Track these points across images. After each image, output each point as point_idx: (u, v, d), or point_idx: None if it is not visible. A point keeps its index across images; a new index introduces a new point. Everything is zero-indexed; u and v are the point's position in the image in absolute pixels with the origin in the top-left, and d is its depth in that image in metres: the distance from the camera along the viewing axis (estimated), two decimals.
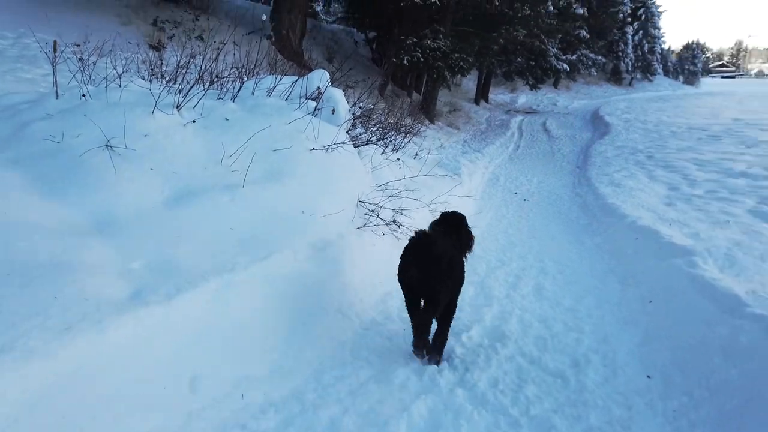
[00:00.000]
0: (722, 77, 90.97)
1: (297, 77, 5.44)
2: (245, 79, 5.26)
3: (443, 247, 3.06)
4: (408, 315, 3.21)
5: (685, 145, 14.69)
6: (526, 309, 4.10)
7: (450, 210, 3.68)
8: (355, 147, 5.24)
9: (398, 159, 6.01)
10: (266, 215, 3.66)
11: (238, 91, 4.99)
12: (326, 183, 4.35)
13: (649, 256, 4.78)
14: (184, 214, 3.39)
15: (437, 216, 3.61)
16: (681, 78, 56.03)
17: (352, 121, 5.42)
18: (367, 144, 5.67)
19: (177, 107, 4.32)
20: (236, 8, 17.22)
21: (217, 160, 4.01)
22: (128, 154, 3.66)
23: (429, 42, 14.90)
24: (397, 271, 3.14)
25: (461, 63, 15.21)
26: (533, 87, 26.65)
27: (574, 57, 26.74)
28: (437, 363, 3.10)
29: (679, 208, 7.91)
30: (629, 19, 41.08)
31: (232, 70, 5.90)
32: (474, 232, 3.62)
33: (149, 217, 3.30)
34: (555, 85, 36.57)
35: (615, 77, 44.11)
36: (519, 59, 22.81)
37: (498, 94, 31.36)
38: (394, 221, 4.75)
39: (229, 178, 3.87)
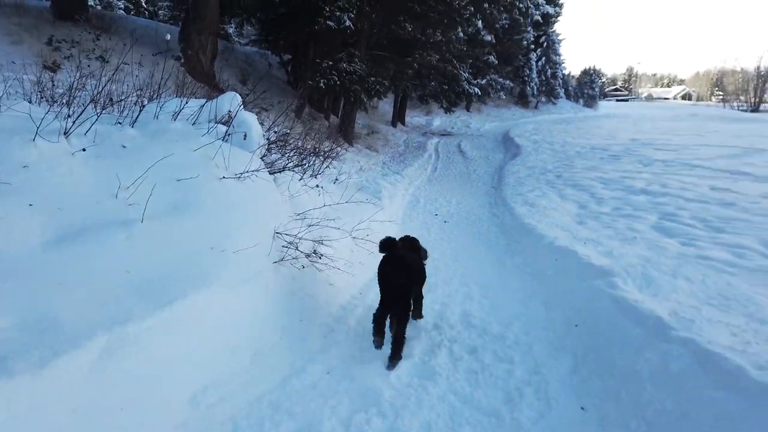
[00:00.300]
0: (617, 100, 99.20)
1: (205, 100, 5.05)
2: (146, 101, 4.80)
3: (412, 258, 4.04)
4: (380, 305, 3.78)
5: (590, 165, 15.56)
6: (455, 339, 3.96)
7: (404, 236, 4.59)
8: (270, 174, 4.91)
9: (317, 186, 5.74)
10: (169, 254, 3.25)
11: (138, 114, 4.52)
12: (239, 214, 3.98)
13: (570, 277, 4.83)
14: (69, 258, 2.92)
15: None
16: (581, 101, 60.29)
17: (266, 147, 5.10)
18: (283, 170, 5.34)
19: (65, 134, 3.82)
20: (142, 28, 16.30)
21: (112, 192, 3.55)
22: (1, 188, 3.13)
23: (345, 65, 14.87)
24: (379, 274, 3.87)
25: (377, 86, 15.31)
26: (447, 110, 27.43)
27: (484, 81, 27.92)
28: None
29: (590, 226, 8.23)
30: (533, 46, 43.81)
31: (136, 92, 5.39)
32: None
33: (25, 262, 2.79)
34: (467, 108, 37.98)
35: (522, 101, 46.65)
36: (433, 83, 23.42)
37: (414, 117, 32.01)
38: (315, 252, 4.47)
39: (125, 213, 3.42)
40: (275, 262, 3.98)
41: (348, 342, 3.81)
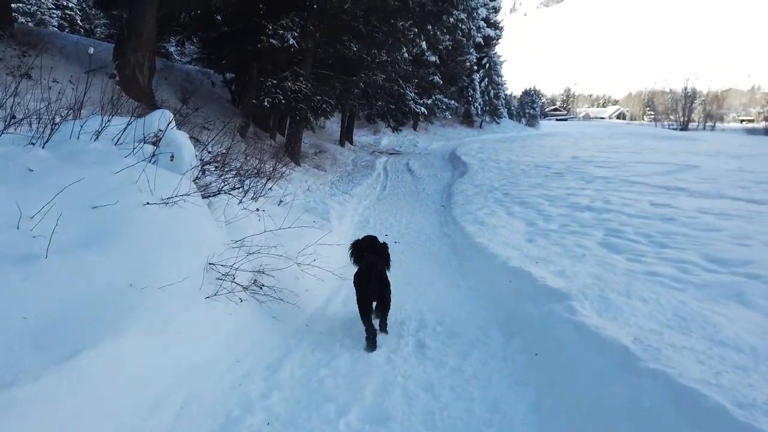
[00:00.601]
0: (557, 120, 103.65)
1: (131, 117, 4.58)
2: (58, 119, 4.28)
3: (383, 270, 4.81)
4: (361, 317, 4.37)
5: (535, 182, 15.81)
6: (410, 375, 3.64)
7: (368, 235, 5.41)
8: (204, 198, 4.47)
9: (258, 209, 5.33)
10: (78, 294, 2.78)
11: (51, 134, 4.01)
12: (165, 245, 3.51)
13: (527, 301, 4.63)
14: None
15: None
16: (523, 120, 62.23)
17: (200, 168, 4.66)
18: (219, 193, 4.90)
19: None
20: (73, 45, 15.43)
21: (12, 223, 3.05)
22: None
23: (290, 84, 14.56)
24: (358, 285, 4.56)
25: (324, 105, 15.05)
26: (395, 129, 27.51)
27: (430, 101, 28.21)
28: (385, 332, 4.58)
29: (540, 244, 8.19)
30: (476, 68, 45.01)
31: (49, 108, 4.85)
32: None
33: None
34: (414, 127, 38.35)
35: (467, 120, 47.60)
36: (380, 102, 23.43)
37: (362, 136, 31.94)
38: (255, 282, 4.07)
39: (27, 247, 2.93)
40: (208, 298, 3.54)
41: (293, 384, 3.42)
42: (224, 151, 5.87)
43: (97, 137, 4.36)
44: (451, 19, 17.89)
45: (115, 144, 4.29)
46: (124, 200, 3.49)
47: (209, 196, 4.62)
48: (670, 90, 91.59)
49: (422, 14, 16.42)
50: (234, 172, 5.78)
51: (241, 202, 5.27)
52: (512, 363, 3.79)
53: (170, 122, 4.55)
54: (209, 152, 5.33)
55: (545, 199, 12.53)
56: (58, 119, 4.25)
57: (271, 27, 14.25)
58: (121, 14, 17.23)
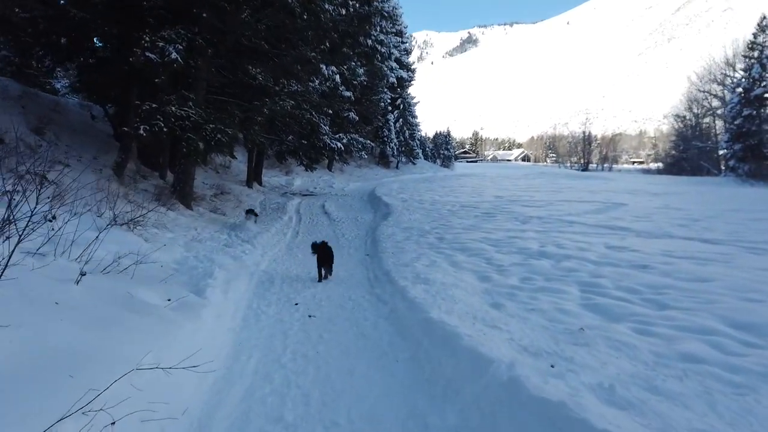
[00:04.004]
0: (468, 161, 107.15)
1: None
2: None
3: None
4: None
5: (468, 224, 13.99)
6: None
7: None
8: None
9: None
10: None
11: None
12: None
13: None
14: None
15: None
16: (438, 162, 62.39)
17: None
18: None
19: None
20: None
21: None
22: None
23: (174, 109, 11.55)
24: (317, 254, 8.21)
25: (218, 135, 12.15)
26: (308, 167, 24.94)
27: (345, 140, 26.01)
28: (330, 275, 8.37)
29: (512, 311, 6.00)
30: (390, 108, 44.00)
31: None
32: None
33: None
34: (329, 167, 36.22)
35: (383, 160, 46.21)
36: (291, 137, 20.78)
37: (272, 177, 29.07)
38: None
39: None
40: None
41: None
42: None
43: None
44: (369, 41, 15.89)
45: None
46: None
47: None
48: (570, 134, 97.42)
49: (336, 34, 14.24)
50: None
51: None
52: None
53: None
54: None
55: (489, 244, 10.51)
56: None
57: (148, 38, 11.34)
58: None
